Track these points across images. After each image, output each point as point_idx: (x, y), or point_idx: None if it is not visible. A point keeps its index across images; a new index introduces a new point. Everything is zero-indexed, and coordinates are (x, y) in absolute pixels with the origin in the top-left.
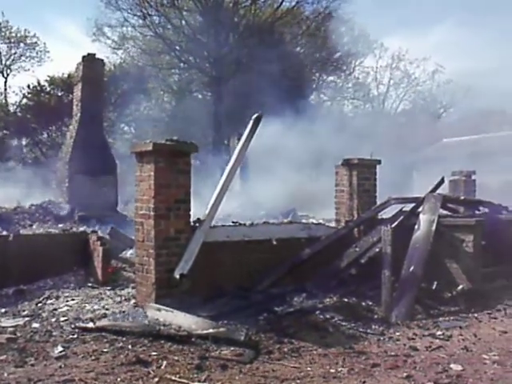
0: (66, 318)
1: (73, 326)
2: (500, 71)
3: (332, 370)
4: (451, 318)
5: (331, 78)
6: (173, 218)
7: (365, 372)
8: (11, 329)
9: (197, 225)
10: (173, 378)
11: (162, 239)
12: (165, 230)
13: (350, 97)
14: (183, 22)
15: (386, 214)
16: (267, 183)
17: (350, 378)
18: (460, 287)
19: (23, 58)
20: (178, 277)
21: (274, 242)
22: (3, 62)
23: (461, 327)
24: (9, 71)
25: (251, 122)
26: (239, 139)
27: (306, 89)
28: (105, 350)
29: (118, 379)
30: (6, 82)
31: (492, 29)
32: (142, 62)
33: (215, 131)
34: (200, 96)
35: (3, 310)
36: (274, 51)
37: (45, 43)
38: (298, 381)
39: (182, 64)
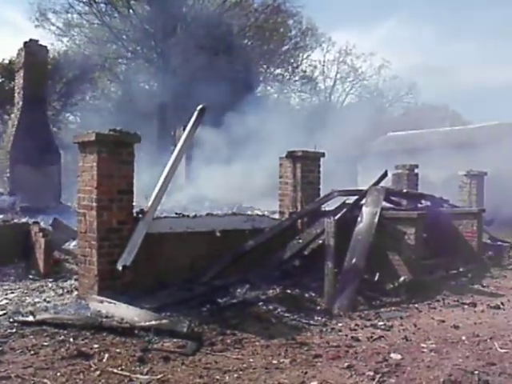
0: (4, 312)
1: (11, 320)
2: (445, 68)
3: (274, 361)
4: (392, 308)
5: (278, 70)
6: (115, 209)
7: (307, 363)
8: None
9: (140, 216)
10: (114, 370)
11: (104, 230)
12: (107, 221)
13: (297, 90)
14: (130, 10)
15: (330, 206)
16: (213, 175)
17: (292, 369)
18: (401, 279)
19: None
20: (120, 268)
21: (218, 234)
22: None
23: (401, 317)
24: None
25: (195, 114)
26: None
27: (253, 81)
28: (45, 344)
29: (58, 374)
30: None
31: (440, 25)
32: (88, 50)
33: (161, 122)
34: (147, 87)
35: None
36: (221, 43)
37: None
38: (241, 372)
39: (128, 54)
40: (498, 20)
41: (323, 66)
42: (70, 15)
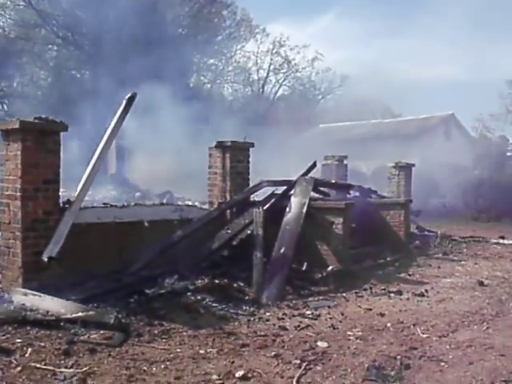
0: None
1: None
2: (378, 62)
3: (201, 351)
4: (321, 297)
5: (212, 60)
6: (41, 198)
7: (234, 352)
8: None
9: (66, 206)
10: (37, 365)
11: (29, 221)
12: (32, 212)
13: (231, 80)
14: None
15: (259, 196)
16: (144, 165)
17: (220, 359)
18: (330, 268)
19: None
20: (46, 260)
21: (146, 224)
22: None
23: (329, 306)
24: None
25: (124, 102)
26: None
27: (187, 70)
28: None
29: None
30: None
31: (375, 20)
32: (13, 33)
33: (92, 110)
34: (78, 75)
35: None
36: (155, 31)
37: None
38: (168, 362)
39: (59, 40)
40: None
41: (257, 57)
42: None
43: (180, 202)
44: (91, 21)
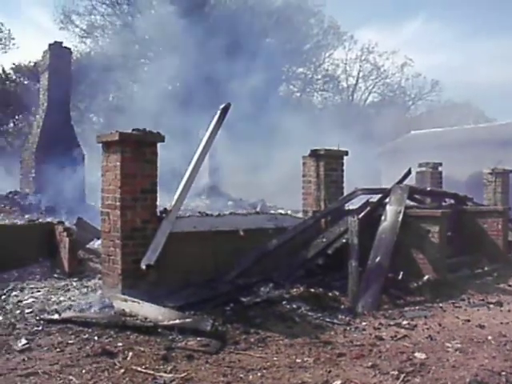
0: (30, 310)
1: (38, 318)
2: (467, 65)
3: (298, 360)
4: (417, 307)
5: (301, 69)
6: (139, 208)
7: (331, 361)
8: None
9: (163, 215)
10: (138, 368)
11: (128, 230)
12: (131, 221)
13: (320, 88)
14: (152, 11)
15: (353, 204)
16: (236, 174)
17: (316, 368)
18: (426, 277)
19: None
20: (144, 267)
21: (241, 233)
22: None
23: (426, 317)
24: None
25: (218, 113)
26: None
27: (276, 80)
28: (70, 342)
29: (83, 371)
30: None
31: (462, 23)
32: (110, 51)
33: (184, 122)
34: (170, 87)
35: None
36: (244, 42)
37: (9, 30)
38: (264, 371)
39: (151, 54)
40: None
41: (345, 64)
42: (93, 17)
43: (272, 211)
44: (181, 34)
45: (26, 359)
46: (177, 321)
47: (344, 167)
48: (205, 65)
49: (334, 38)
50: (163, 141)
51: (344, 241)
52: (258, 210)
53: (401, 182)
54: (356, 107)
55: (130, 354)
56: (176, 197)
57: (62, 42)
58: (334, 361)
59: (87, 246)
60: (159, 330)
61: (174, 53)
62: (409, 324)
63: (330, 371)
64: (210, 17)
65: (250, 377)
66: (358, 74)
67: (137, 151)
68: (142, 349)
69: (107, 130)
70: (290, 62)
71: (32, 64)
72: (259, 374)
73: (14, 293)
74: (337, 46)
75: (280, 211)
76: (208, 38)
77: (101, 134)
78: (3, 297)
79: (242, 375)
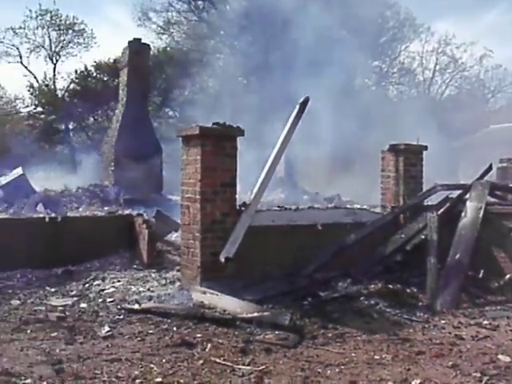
0: (112, 299)
1: (119, 307)
2: None
3: (376, 357)
4: (498, 307)
5: (376, 63)
6: (219, 201)
7: (409, 359)
8: (61, 308)
9: (242, 209)
10: (217, 360)
11: (207, 222)
12: (211, 214)
13: (395, 82)
14: (227, 6)
15: (432, 200)
16: (311, 169)
17: (395, 365)
18: (507, 277)
19: (71, 44)
20: (223, 260)
21: (319, 227)
22: (52, 49)
23: (508, 317)
24: (58, 57)
25: (297, 107)
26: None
27: (351, 74)
28: (150, 332)
29: (163, 360)
30: (54, 67)
31: None
32: (186, 46)
33: (260, 116)
34: (245, 81)
35: (53, 290)
36: (319, 35)
37: (92, 29)
38: (342, 366)
39: (226, 49)
40: None
41: (422, 57)
42: (169, 13)
43: (348, 206)
44: (257, 29)
45: (109, 346)
46: (255, 314)
47: (423, 162)
48: (280, 59)
49: (410, 30)
50: (243, 135)
51: (423, 237)
52: (333, 204)
53: (481, 177)
54: (432, 101)
55: (209, 345)
56: (255, 190)
57: (140, 39)
58: (413, 359)
59: (165, 238)
60: (237, 323)
61: (248, 47)
62: (490, 324)
63: (408, 369)
64: (285, 10)
65: (328, 372)
66: (435, 66)
67: (217, 145)
68: (221, 341)
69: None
70: (365, 56)
71: (111, 61)
72: (337, 370)
73: (96, 282)
74: (413, 38)
75: (356, 206)
76: (281, 31)
77: (181, 128)
78: (86, 285)
79: (319, 370)
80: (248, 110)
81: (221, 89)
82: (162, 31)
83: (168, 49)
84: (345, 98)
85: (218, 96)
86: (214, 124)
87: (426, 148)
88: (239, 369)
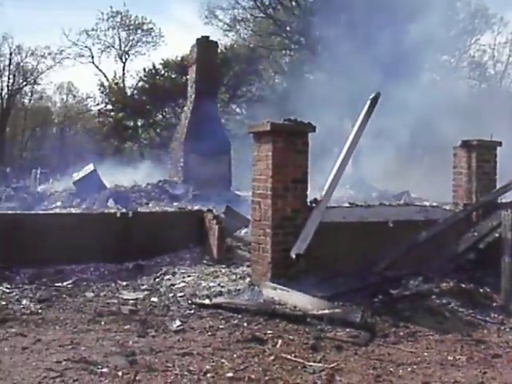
0: (182, 294)
1: (189, 301)
2: None
3: (450, 358)
4: None
5: (445, 57)
6: (290, 197)
7: (485, 362)
8: (132, 301)
9: (313, 205)
10: (288, 356)
11: (278, 219)
12: (282, 210)
13: (465, 76)
14: (293, 2)
15: (507, 198)
16: (379, 165)
17: (469, 367)
18: None
19: (140, 43)
20: (294, 256)
21: (390, 225)
22: (122, 48)
23: None
24: (127, 56)
25: (368, 103)
26: (353, 120)
27: (420, 68)
28: (221, 327)
29: (234, 355)
30: (124, 66)
31: None
32: (252, 43)
33: (327, 112)
34: (312, 77)
35: (124, 284)
36: (386, 30)
37: (160, 28)
38: (415, 366)
39: (293, 45)
40: None
41: (493, 49)
42: (236, 11)
43: (417, 203)
44: (323, 24)
45: (180, 340)
46: (326, 311)
47: (497, 158)
48: (346, 55)
49: (482, 21)
50: (314, 131)
51: (497, 235)
52: (402, 201)
53: None
54: (505, 95)
55: (280, 341)
56: (326, 187)
57: (208, 36)
58: (489, 362)
59: (234, 233)
60: (308, 320)
61: (315, 43)
62: None
63: (484, 372)
64: (352, 5)
65: (400, 371)
66: (508, 59)
67: (288, 141)
68: (291, 337)
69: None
70: (433, 50)
71: (179, 59)
72: (409, 369)
73: (167, 277)
74: (484, 30)
75: (425, 203)
76: (350, 28)
77: (252, 125)
78: (157, 280)
79: (391, 369)
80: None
81: (287, 85)
82: (228, 28)
83: (235, 46)
84: (414, 92)
85: (285, 92)
86: (285, 120)
87: (500, 144)
88: (310, 365)
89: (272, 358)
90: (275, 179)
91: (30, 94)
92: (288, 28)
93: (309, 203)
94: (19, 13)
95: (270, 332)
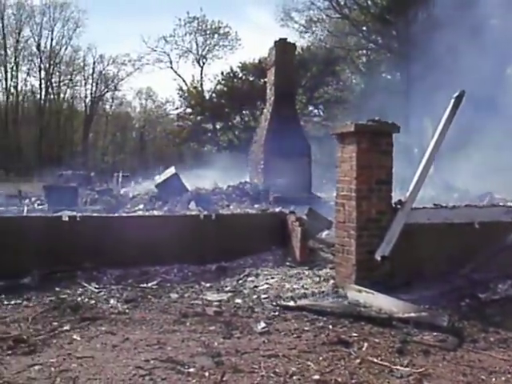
0: (266, 296)
1: (274, 303)
2: None
3: None
4: None
5: None
6: (374, 199)
7: None
8: (216, 303)
9: (398, 206)
10: (374, 360)
11: (363, 220)
12: (366, 211)
13: None
14: (369, 1)
15: None
16: (460, 165)
17: None
18: None
19: (217, 47)
20: (379, 259)
21: (477, 226)
22: (199, 53)
23: None
24: (204, 60)
25: (452, 102)
26: (436, 119)
27: (505, 66)
28: (306, 329)
29: (320, 358)
30: (201, 70)
31: None
32: (329, 44)
33: (406, 112)
34: (389, 77)
35: (208, 285)
36: (466, 27)
37: (236, 32)
38: (509, 375)
39: (369, 45)
40: None
41: None
42: (311, 12)
43: (502, 203)
44: (400, 23)
45: (266, 341)
46: (412, 314)
47: None
48: (425, 53)
49: None
50: (399, 131)
51: None
52: (484, 203)
53: None
54: None
55: (365, 344)
56: (411, 188)
57: (286, 38)
58: None
59: (317, 235)
60: (393, 323)
61: (392, 42)
62: None
63: None
64: (430, 3)
65: (493, 379)
66: None
67: (372, 142)
68: (377, 340)
69: (328, 123)
70: None
71: (256, 61)
72: (503, 378)
73: (250, 278)
74: None
75: (510, 204)
76: (428, 25)
77: (336, 126)
78: (240, 281)
79: (483, 377)
80: (394, 106)
81: (365, 85)
82: (304, 30)
83: (311, 47)
84: (496, 88)
85: (363, 93)
86: (368, 121)
87: None
88: (397, 370)
89: (358, 361)
90: (359, 180)
91: (111, 101)
92: (364, 28)
93: (393, 205)
94: (101, 23)
95: (355, 335)
